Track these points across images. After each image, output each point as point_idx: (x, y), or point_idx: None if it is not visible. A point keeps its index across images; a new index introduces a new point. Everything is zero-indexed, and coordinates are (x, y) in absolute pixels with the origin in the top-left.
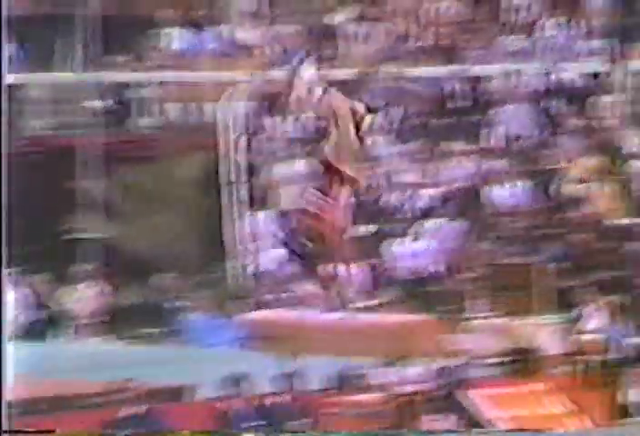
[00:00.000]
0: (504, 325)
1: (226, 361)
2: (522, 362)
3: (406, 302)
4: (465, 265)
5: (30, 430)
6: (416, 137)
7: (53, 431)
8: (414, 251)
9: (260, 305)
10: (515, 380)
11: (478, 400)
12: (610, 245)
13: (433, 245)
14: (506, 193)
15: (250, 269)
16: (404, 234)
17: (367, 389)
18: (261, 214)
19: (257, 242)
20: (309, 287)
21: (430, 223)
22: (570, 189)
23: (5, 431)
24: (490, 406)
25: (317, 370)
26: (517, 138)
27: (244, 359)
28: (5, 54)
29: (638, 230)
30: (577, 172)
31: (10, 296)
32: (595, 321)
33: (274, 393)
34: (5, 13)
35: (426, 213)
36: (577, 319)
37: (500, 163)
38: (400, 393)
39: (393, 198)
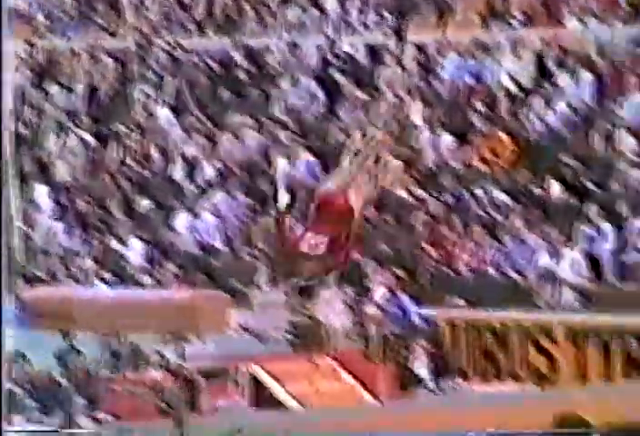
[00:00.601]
0: (288, 299)
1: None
2: (307, 337)
3: (190, 277)
4: (249, 240)
5: (32, 429)
6: (196, 110)
7: (56, 432)
8: (197, 225)
9: (36, 281)
10: (299, 355)
11: (263, 376)
12: (392, 218)
13: (216, 220)
14: (290, 167)
15: (25, 244)
16: (187, 209)
17: (148, 366)
18: (36, 188)
19: (32, 216)
20: (87, 262)
21: (213, 198)
22: (350, 162)
23: (6, 431)
24: (275, 382)
25: (94, 347)
26: (299, 111)
27: (19, 337)
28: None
29: (421, 202)
30: (360, 144)
31: None
32: (378, 294)
33: (49, 373)
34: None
35: (209, 188)
36: (360, 293)
37: (283, 137)
38: (181, 370)
39: (175, 172)
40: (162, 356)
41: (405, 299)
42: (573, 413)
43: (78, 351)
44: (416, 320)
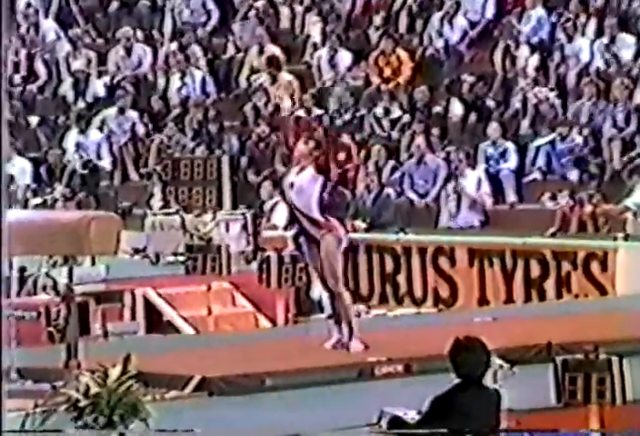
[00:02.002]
0: (182, 221)
1: None
2: (202, 260)
3: (78, 197)
4: (137, 158)
5: (33, 429)
6: (85, 22)
7: (59, 431)
8: (83, 143)
9: None
10: (195, 278)
11: (155, 299)
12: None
13: (103, 137)
14: (181, 83)
15: None
16: (75, 127)
17: (36, 290)
18: None
19: None
20: None
21: (102, 114)
22: (247, 79)
23: (6, 431)
24: (168, 306)
25: None
26: (192, 25)
27: None
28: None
29: (318, 121)
30: (254, 61)
31: None
32: (275, 216)
33: None
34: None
35: (97, 103)
36: (257, 215)
37: (174, 51)
38: (71, 294)
39: (62, 87)
40: (51, 279)
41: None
42: (471, 337)
43: None
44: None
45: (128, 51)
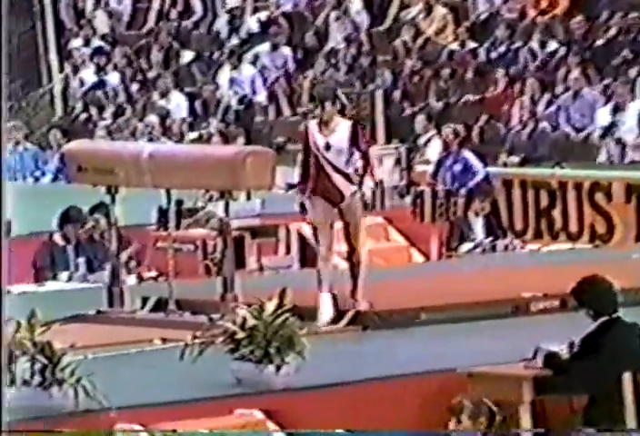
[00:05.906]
0: None
1: (44, 195)
2: None
3: (234, 132)
4: (291, 94)
5: (32, 429)
6: None
7: (60, 432)
8: (237, 78)
9: (73, 136)
10: None
11: (310, 235)
12: (441, 72)
13: (256, 72)
14: (334, 18)
15: (64, 97)
16: (229, 62)
17: (193, 223)
18: (73, 41)
19: (71, 69)
20: (127, 115)
21: (254, 50)
22: (400, 13)
23: (6, 431)
24: None
25: (141, 203)
26: None
27: (64, 192)
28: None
29: (472, 54)
30: None
31: None
32: (429, 151)
33: (93, 227)
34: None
35: (251, 40)
36: (411, 149)
37: None
38: (228, 228)
39: (217, 23)
40: (208, 213)
41: (469, 155)
42: (595, 275)
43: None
44: (481, 176)
45: None
